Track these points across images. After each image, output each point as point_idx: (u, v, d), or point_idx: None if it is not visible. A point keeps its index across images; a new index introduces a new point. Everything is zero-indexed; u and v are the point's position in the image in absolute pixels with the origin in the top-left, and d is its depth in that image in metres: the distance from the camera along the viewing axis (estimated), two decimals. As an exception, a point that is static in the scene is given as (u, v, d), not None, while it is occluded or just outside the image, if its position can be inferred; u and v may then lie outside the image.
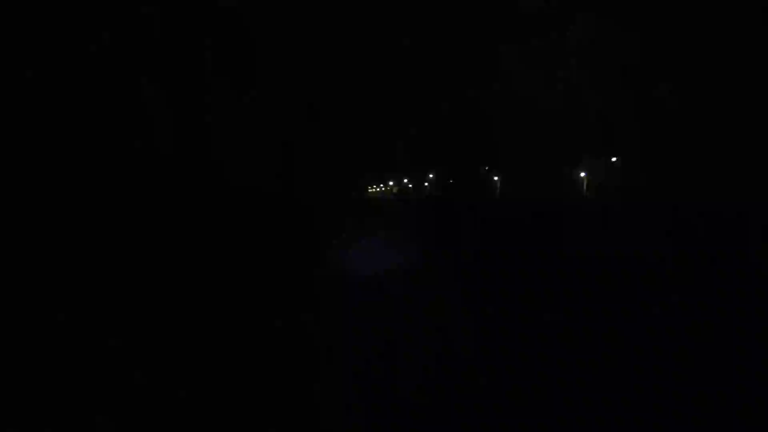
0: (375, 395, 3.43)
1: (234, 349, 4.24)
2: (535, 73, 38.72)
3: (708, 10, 28.86)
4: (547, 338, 4.49)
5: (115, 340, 4.43)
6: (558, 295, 6.26)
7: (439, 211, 27.31)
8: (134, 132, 11.05)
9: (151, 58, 11.81)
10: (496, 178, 51.84)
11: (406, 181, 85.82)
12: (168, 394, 3.48)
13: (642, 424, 3.03)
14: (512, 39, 39.24)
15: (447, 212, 25.85)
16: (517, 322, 5.05)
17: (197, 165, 13.03)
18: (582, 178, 40.77)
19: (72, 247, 8.01)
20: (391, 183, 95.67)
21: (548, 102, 38.23)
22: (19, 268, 6.63)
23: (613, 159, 36.79)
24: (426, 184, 73.71)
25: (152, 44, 11.92)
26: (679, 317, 5.08)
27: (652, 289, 6.44)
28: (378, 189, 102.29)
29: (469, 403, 3.33)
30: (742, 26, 27.83)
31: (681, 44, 30.40)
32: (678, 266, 8.16)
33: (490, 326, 4.99)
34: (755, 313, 5.16)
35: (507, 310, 5.52)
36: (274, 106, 18.13)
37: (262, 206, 15.93)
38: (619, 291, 6.38)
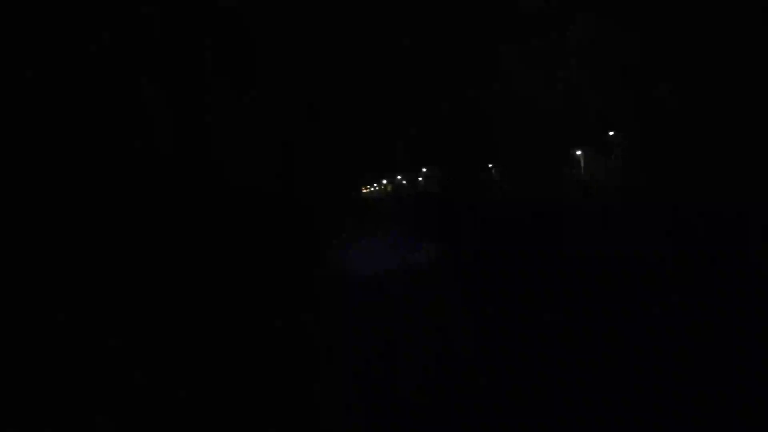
0: (374, 394, 3.43)
1: (234, 348, 4.24)
2: (535, 73, 38.70)
3: (708, 10, 28.87)
4: (546, 338, 4.50)
5: (115, 340, 4.43)
6: (557, 295, 6.27)
7: (432, 208, 27.38)
8: (134, 132, 11.06)
9: (151, 58, 11.81)
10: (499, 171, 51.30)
11: (399, 177, 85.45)
12: (168, 394, 3.48)
13: (642, 424, 3.03)
14: (512, 39, 39.22)
15: (441, 209, 25.89)
16: (517, 322, 5.06)
17: (197, 165, 13.06)
18: (578, 156, 40.57)
19: (72, 248, 8.02)
20: (384, 182, 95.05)
21: (548, 102, 38.21)
22: (18, 269, 6.64)
23: (613, 158, 36.83)
24: (420, 178, 73.64)
25: (152, 44, 11.92)
26: (679, 317, 5.08)
27: (652, 289, 6.43)
28: (372, 189, 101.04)
29: (468, 402, 3.34)
30: (742, 26, 27.82)
31: (681, 44, 30.40)
32: (678, 266, 8.15)
33: (489, 326, 5.00)
34: (755, 313, 5.17)
35: (506, 310, 5.53)
36: (274, 106, 18.14)
37: (262, 206, 16.01)
38: (619, 291, 6.36)
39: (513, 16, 38.38)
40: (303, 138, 20.96)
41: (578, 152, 40.49)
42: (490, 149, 47.53)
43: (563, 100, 37.57)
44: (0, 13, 8.89)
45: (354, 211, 24.44)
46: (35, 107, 9.23)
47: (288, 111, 19.06)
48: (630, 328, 4.75)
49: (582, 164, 40.81)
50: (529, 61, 38.74)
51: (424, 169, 70.01)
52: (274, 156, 18.76)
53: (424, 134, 54.03)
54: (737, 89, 28.28)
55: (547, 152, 41.83)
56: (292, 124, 19.71)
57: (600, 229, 15.58)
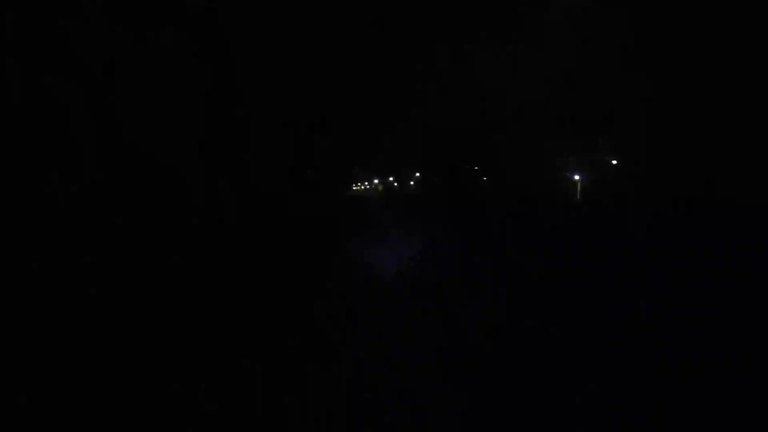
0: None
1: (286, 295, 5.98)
2: (533, 72, 38.27)
3: (708, 9, 28.77)
4: (548, 339, 4.55)
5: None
6: (558, 294, 6.41)
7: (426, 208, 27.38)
8: (135, 132, 11.16)
9: (151, 58, 11.89)
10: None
11: (391, 179, 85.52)
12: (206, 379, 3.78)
13: (642, 423, 3.05)
14: (512, 38, 38.90)
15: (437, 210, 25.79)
16: (520, 322, 5.17)
17: (231, 172, 13.64)
18: (571, 179, 40.08)
19: (91, 247, 8.16)
20: (376, 181, 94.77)
21: (545, 101, 37.59)
22: (20, 269, 6.63)
23: (614, 161, 36.49)
24: (411, 183, 73.98)
25: (152, 44, 12.03)
26: (679, 317, 5.09)
27: (652, 289, 6.47)
28: (363, 187, 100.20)
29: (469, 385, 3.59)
30: (742, 26, 27.66)
31: (681, 44, 30.25)
32: (678, 266, 8.20)
33: (493, 321, 5.29)
34: (755, 313, 5.23)
35: (509, 307, 5.76)
36: (285, 111, 18.43)
37: (299, 211, 17.43)
38: (619, 291, 6.43)
39: (513, 16, 38.00)
40: (315, 143, 21.30)
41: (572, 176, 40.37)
42: (486, 150, 46.68)
43: (562, 99, 37.16)
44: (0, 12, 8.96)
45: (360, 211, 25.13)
46: (35, 107, 9.31)
47: (298, 115, 19.34)
48: (630, 329, 4.77)
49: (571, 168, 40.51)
50: (528, 61, 38.35)
51: (417, 174, 70.30)
52: (291, 163, 19.15)
53: (419, 135, 53.21)
54: (737, 89, 28.12)
55: (544, 156, 41.28)
56: (304, 129, 20.02)
57: (601, 229, 15.64)
